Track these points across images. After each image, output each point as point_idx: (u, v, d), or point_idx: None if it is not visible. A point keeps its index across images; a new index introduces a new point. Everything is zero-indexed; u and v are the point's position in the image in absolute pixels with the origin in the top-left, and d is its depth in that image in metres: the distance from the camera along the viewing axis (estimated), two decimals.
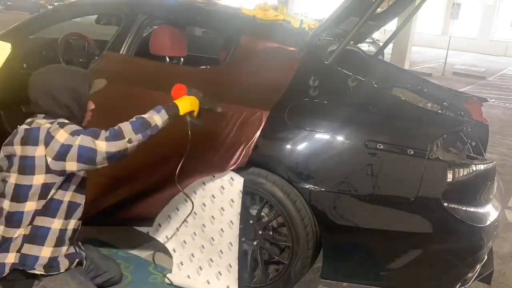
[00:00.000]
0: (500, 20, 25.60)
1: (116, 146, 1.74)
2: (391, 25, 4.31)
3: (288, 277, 2.24)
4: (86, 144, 1.71)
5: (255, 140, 2.18)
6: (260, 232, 2.32)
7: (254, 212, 2.33)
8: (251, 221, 2.33)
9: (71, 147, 1.71)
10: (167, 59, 2.82)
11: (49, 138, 1.73)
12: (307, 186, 2.11)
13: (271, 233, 2.34)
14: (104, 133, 1.75)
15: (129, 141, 1.76)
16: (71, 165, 1.74)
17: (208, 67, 2.79)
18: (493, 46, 25.50)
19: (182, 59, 2.99)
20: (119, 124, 1.79)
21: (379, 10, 2.76)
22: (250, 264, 2.36)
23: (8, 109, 3.30)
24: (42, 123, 1.79)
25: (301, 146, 2.13)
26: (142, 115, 1.83)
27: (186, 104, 1.92)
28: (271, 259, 2.41)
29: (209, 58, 3.52)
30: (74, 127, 1.79)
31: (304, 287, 2.52)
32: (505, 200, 3.90)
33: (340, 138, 2.09)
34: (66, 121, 1.83)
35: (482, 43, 25.83)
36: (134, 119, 1.82)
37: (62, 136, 1.73)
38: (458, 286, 2.09)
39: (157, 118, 1.83)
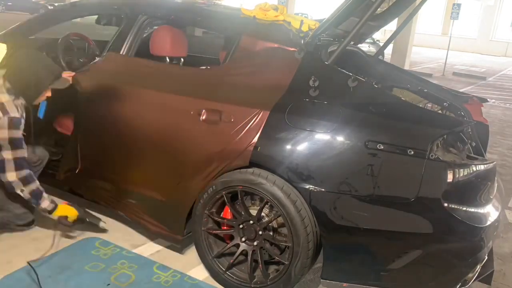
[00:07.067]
0: (500, 20, 25.62)
1: (17, 185, 2.36)
2: (391, 26, 4.30)
3: (288, 277, 2.24)
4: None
5: (255, 140, 2.18)
6: (260, 232, 2.32)
7: (254, 212, 2.33)
8: (251, 221, 2.33)
9: None
10: (167, 60, 2.82)
11: None
12: (307, 187, 2.11)
13: (271, 233, 2.34)
14: (18, 176, 2.35)
15: (22, 191, 2.39)
16: None
17: (208, 67, 2.80)
18: (493, 46, 25.53)
19: (182, 60, 3.00)
20: (33, 188, 2.41)
21: (379, 10, 2.76)
22: (251, 264, 2.36)
23: None
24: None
25: (301, 147, 2.13)
26: (44, 195, 2.47)
27: (63, 211, 2.56)
28: (271, 259, 2.41)
29: (209, 59, 3.52)
30: (16, 134, 2.28)
31: (304, 287, 2.52)
32: (505, 201, 3.90)
33: (340, 138, 2.09)
34: (17, 117, 2.28)
35: (482, 43, 25.86)
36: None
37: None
38: (458, 286, 2.09)
39: (45, 203, 2.48)
